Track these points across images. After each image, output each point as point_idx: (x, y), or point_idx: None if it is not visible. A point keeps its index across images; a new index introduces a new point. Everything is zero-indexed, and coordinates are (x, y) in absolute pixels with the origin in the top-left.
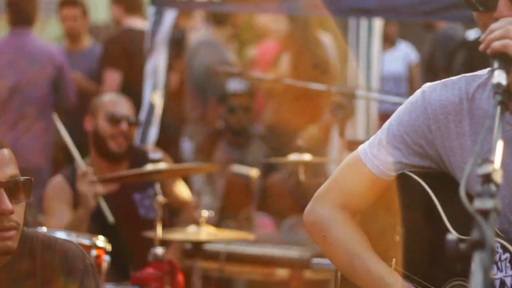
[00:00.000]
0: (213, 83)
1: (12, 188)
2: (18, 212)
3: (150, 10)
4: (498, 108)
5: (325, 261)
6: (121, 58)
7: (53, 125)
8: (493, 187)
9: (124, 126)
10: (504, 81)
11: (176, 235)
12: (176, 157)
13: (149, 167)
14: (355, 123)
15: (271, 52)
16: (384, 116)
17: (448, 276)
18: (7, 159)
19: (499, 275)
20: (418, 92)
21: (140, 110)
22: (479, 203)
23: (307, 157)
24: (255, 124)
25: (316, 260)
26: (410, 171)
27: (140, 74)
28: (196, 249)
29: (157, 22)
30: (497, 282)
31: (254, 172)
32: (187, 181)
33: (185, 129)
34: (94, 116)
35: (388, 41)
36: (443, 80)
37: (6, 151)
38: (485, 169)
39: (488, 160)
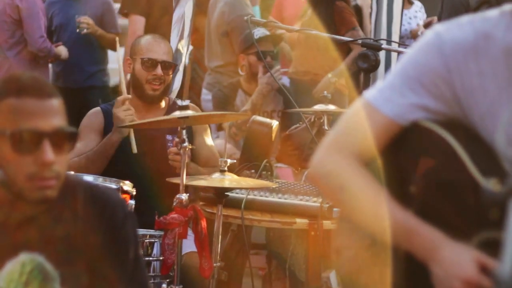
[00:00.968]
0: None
1: (57, 139)
2: (60, 162)
3: None
4: None
5: None
6: (147, 3)
7: None
8: None
9: (159, 71)
10: None
11: (201, 182)
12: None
13: (177, 113)
14: (376, 77)
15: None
16: None
17: (476, 228)
18: (56, 110)
19: None
20: (430, 34)
21: None
22: None
23: (331, 107)
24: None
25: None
26: (424, 120)
27: (168, 22)
28: (220, 196)
29: None
30: None
31: (275, 122)
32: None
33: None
34: (132, 59)
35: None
36: (456, 20)
37: (55, 101)
38: None
39: None
